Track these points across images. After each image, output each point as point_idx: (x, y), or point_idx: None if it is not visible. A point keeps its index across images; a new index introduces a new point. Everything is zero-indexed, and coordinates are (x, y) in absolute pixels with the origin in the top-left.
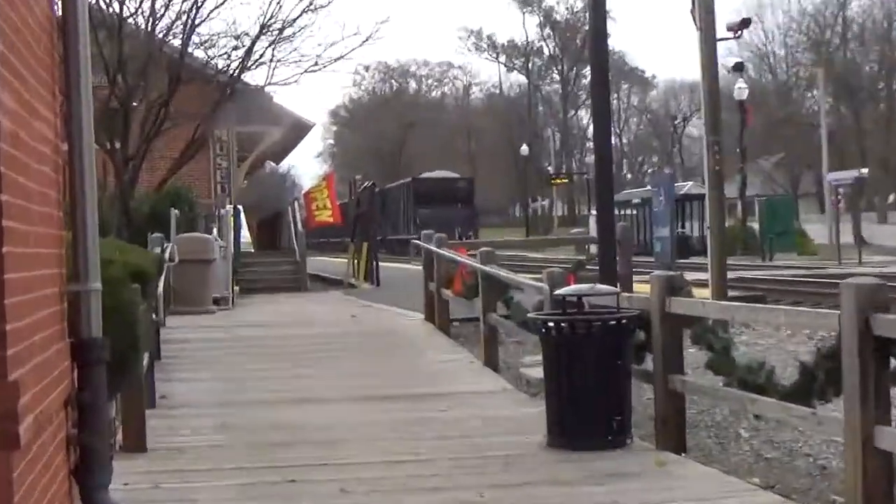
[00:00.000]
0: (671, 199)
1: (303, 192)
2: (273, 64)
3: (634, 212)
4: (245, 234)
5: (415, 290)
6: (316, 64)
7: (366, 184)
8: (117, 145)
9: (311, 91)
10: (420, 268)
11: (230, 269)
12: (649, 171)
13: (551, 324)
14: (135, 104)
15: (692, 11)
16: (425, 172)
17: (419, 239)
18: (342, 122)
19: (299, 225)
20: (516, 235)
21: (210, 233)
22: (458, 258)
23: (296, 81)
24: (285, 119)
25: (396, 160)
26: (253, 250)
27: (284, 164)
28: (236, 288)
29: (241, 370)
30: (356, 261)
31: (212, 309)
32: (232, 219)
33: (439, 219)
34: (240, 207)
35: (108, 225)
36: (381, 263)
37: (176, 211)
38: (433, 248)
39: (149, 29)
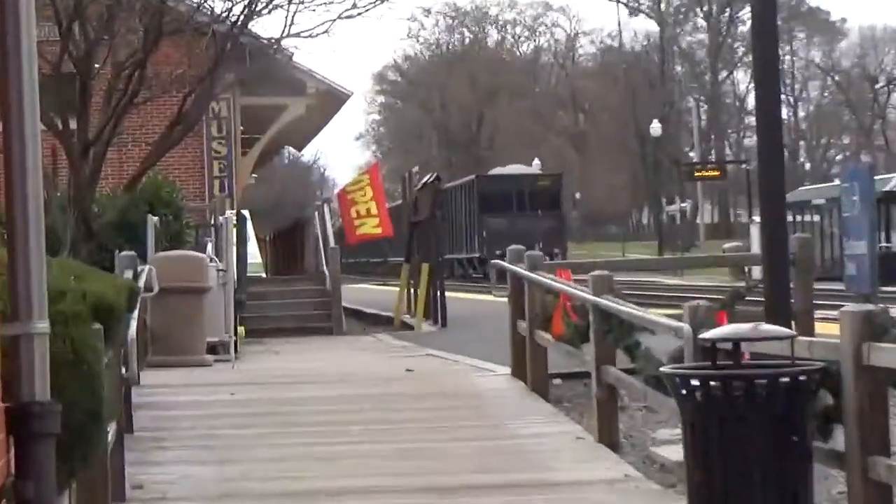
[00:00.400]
0: (870, 199)
1: (336, 191)
2: (293, 7)
3: (816, 218)
4: (254, 252)
5: (496, 332)
6: (353, 6)
7: (427, 178)
8: (72, 125)
9: (348, 47)
10: (502, 299)
11: (232, 302)
12: (837, 158)
13: (696, 382)
14: (97, 66)
15: None
16: (496, 168)
17: (483, 257)
18: (392, 91)
19: (330, 238)
20: (643, 252)
21: (204, 250)
22: (561, 286)
23: (325, 32)
24: (310, 86)
25: (470, 145)
26: (264, 275)
27: (309, 152)
28: (241, 329)
29: (248, 449)
30: (412, 290)
31: (206, 360)
32: (235, 230)
33: (513, 231)
34: (246, 214)
35: (59, 239)
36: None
37: (155, 219)
38: (524, 271)
39: None
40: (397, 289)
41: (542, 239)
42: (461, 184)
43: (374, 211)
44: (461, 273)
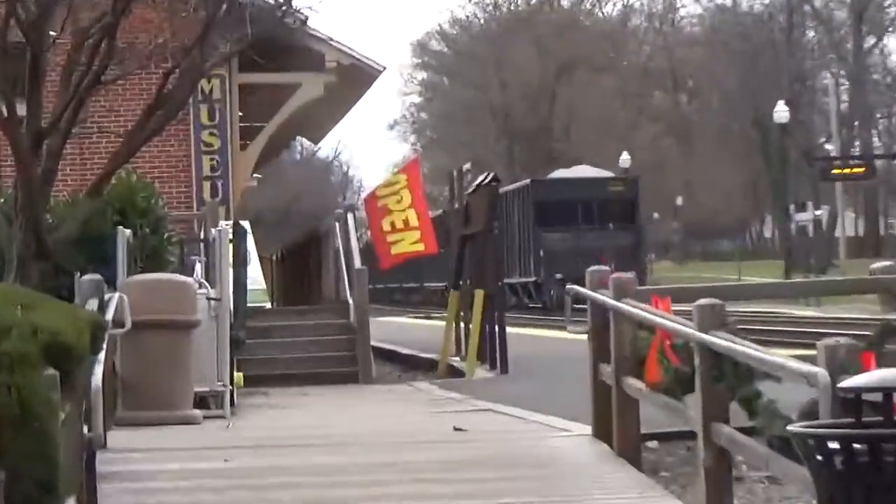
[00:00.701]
0: None
1: (364, 195)
2: None
3: None
4: (256, 276)
5: (571, 379)
6: None
7: (481, 179)
8: (20, 111)
9: (380, 7)
10: (579, 337)
11: (227, 340)
12: None
13: (835, 443)
14: (53, 35)
15: None
16: (558, 171)
17: (540, 282)
18: (437, 65)
19: (356, 257)
20: (764, 274)
21: (191, 273)
22: (658, 319)
23: None
24: (329, 59)
25: (538, 134)
26: (269, 305)
27: (329, 145)
28: (238, 376)
29: None
30: (459, 323)
31: (192, 416)
32: (231, 246)
33: (578, 249)
34: (246, 226)
35: (1, 258)
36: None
37: (128, 232)
38: (609, 299)
39: None
40: (442, 324)
41: (615, 259)
42: (513, 190)
43: (413, 222)
44: (514, 302)
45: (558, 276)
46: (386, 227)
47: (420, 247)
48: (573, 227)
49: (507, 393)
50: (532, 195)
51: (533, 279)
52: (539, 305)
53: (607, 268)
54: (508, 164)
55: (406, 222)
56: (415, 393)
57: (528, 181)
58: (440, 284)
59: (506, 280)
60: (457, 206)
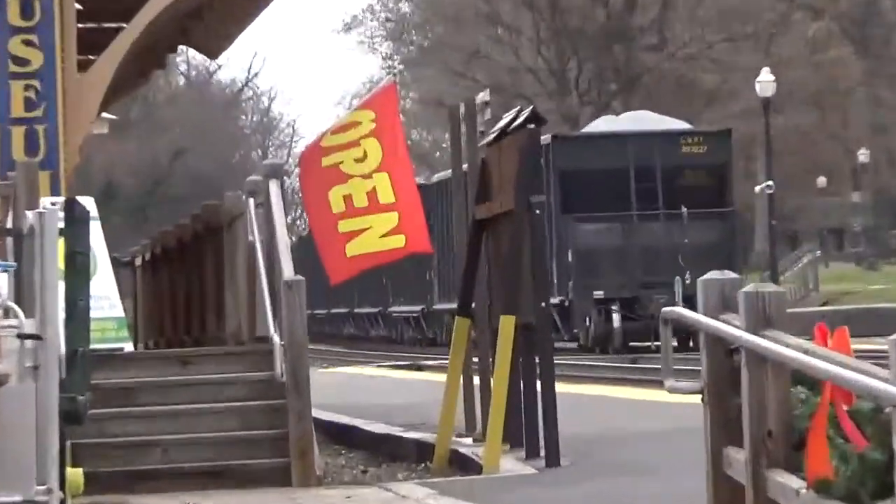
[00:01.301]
0: None
1: (302, 149)
2: None
3: None
4: (107, 294)
5: (671, 471)
6: None
7: (510, 116)
8: None
9: None
10: (687, 402)
11: (55, 409)
12: None
13: None
14: None
15: None
16: (601, 119)
17: (569, 301)
18: None
19: (285, 260)
20: None
21: None
22: (827, 366)
23: None
24: None
25: (615, 34)
26: (131, 346)
27: (238, 62)
28: (74, 474)
29: None
30: (471, 375)
31: None
32: (63, 244)
33: (628, 249)
34: (90, 206)
35: None
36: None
37: None
38: (739, 331)
39: None
40: (441, 378)
41: (693, 264)
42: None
43: (386, 196)
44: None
45: (597, 294)
46: (337, 204)
47: (399, 241)
48: (621, 213)
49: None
50: (554, 162)
51: (558, 299)
52: (568, 340)
53: (732, 274)
54: (557, 93)
55: (374, 197)
56: None
57: (547, 138)
58: (374, 310)
59: None
60: (465, 167)
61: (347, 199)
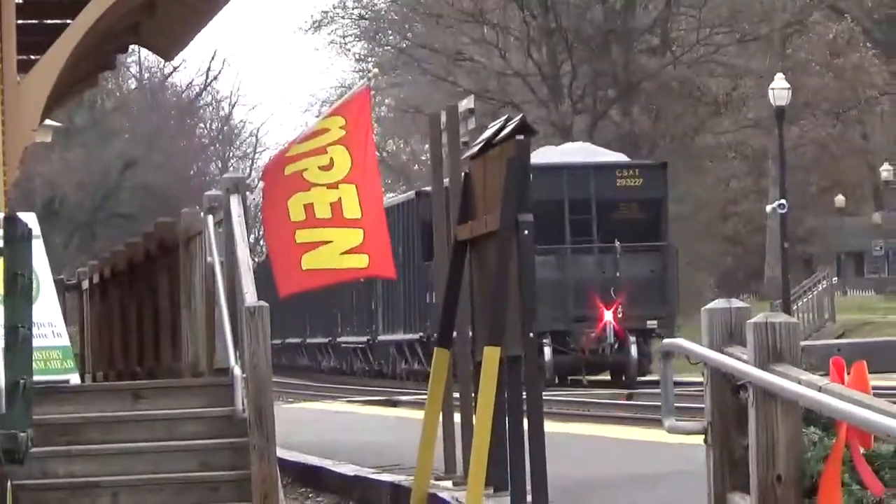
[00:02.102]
0: None
1: (265, 161)
2: None
3: None
4: (50, 320)
5: None
6: None
7: (497, 126)
8: None
9: None
10: (688, 441)
11: None
12: None
13: None
14: None
15: None
16: (541, 149)
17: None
18: None
19: (247, 283)
20: None
21: None
22: (842, 405)
23: None
24: None
25: (613, 35)
26: (76, 378)
27: (195, 63)
28: None
29: None
30: (451, 412)
31: None
32: (1, 264)
33: (565, 282)
34: (31, 222)
35: None
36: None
37: None
38: (746, 366)
39: None
40: (418, 414)
41: (627, 298)
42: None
43: (351, 211)
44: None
45: (547, 330)
46: (296, 213)
47: (361, 262)
48: (555, 246)
49: None
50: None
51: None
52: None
53: (740, 301)
54: (549, 100)
55: (338, 210)
56: None
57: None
58: (325, 340)
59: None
60: (445, 181)
61: (308, 207)
